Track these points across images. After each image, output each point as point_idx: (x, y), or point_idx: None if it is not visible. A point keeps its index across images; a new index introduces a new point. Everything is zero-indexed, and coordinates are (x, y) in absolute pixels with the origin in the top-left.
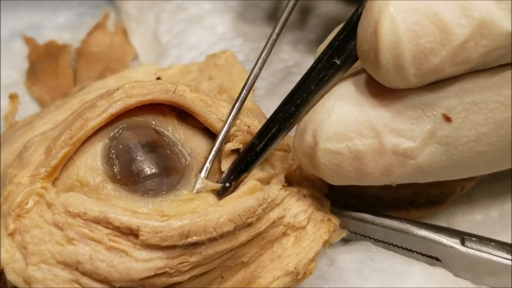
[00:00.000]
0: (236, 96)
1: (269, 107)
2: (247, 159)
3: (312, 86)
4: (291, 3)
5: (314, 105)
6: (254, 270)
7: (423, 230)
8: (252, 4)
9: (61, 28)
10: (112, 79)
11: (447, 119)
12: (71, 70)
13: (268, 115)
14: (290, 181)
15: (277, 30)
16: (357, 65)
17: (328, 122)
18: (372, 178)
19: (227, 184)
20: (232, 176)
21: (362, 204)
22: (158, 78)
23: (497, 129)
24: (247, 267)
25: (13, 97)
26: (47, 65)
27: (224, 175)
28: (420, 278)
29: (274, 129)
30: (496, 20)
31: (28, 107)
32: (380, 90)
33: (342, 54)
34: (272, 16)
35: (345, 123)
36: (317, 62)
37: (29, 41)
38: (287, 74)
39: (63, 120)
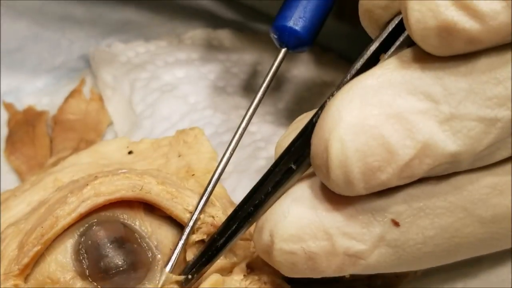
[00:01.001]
0: (202, 178)
1: (236, 185)
2: (208, 253)
3: (269, 188)
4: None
5: (271, 205)
6: None
7: None
8: (225, 70)
9: (40, 91)
10: (85, 154)
11: (396, 224)
12: (47, 139)
13: (235, 193)
14: (251, 267)
15: (248, 114)
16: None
17: (284, 224)
18: (325, 274)
19: (190, 276)
20: (194, 269)
21: (321, 286)
22: (130, 152)
23: (442, 233)
24: None
25: None
26: (25, 133)
27: (187, 267)
28: None
29: (234, 226)
30: (439, 142)
31: (7, 177)
32: (333, 195)
33: (297, 160)
34: (246, 84)
35: (299, 226)
36: (274, 165)
37: (8, 107)
38: (254, 150)
39: (36, 207)
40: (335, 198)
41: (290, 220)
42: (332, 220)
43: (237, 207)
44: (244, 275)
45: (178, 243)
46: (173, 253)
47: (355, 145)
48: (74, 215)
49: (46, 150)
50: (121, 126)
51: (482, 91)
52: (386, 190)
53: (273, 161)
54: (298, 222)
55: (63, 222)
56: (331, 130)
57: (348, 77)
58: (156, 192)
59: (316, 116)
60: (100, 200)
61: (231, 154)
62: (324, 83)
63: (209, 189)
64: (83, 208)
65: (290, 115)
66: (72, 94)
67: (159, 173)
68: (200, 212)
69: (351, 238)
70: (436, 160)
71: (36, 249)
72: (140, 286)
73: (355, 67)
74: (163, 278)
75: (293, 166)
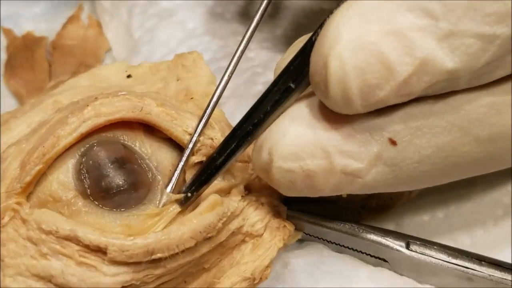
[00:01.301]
0: (201, 101)
1: (234, 110)
2: (207, 172)
3: (268, 107)
4: (264, 4)
5: (270, 124)
6: (215, 275)
7: (372, 234)
8: None
9: (38, 17)
10: (84, 77)
11: (393, 142)
12: (46, 64)
13: (233, 118)
14: (249, 189)
15: (246, 38)
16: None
17: (283, 143)
18: (323, 193)
19: (189, 194)
20: (193, 187)
21: (317, 207)
22: (129, 76)
23: (439, 152)
24: (208, 272)
25: None
26: (24, 58)
27: (186, 185)
28: (366, 280)
29: (233, 145)
30: (437, 59)
31: (7, 100)
32: (331, 114)
33: (296, 79)
34: (243, 10)
35: (298, 144)
36: (273, 84)
37: (7, 32)
38: (252, 75)
39: (36, 128)
40: (333, 117)
41: (288, 138)
42: (330, 139)
43: (236, 126)
44: (242, 196)
45: (178, 164)
46: (173, 173)
47: (353, 62)
48: (75, 134)
49: (45, 75)
50: (120, 51)
51: (481, 8)
52: (383, 109)
53: None
54: (297, 141)
55: (65, 142)
56: (330, 47)
57: None
58: (156, 113)
59: (316, 35)
60: (101, 120)
61: (229, 77)
62: (322, 10)
63: (208, 111)
64: (84, 128)
65: (288, 42)
66: (70, 20)
67: (158, 95)
68: (200, 134)
69: (348, 157)
70: (434, 77)
71: (38, 167)
72: (140, 206)
73: None
74: (164, 197)
75: (292, 85)
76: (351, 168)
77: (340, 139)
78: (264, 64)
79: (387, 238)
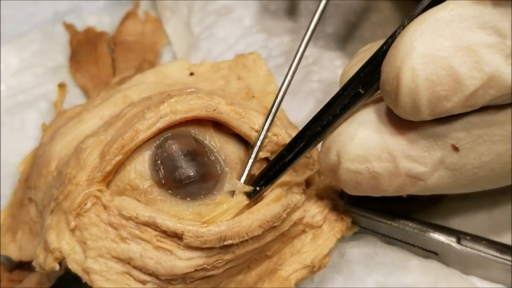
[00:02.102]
0: (262, 100)
1: (291, 107)
2: (276, 168)
3: (337, 110)
4: (323, 4)
5: (338, 126)
6: (276, 262)
7: (425, 229)
8: None
9: (101, 11)
10: (150, 74)
11: (455, 149)
12: (109, 59)
13: (289, 114)
14: (309, 183)
15: (306, 38)
16: (378, 92)
17: (351, 145)
18: (386, 193)
19: (257, 188)
20: (262, 182)
21: (371, 200)
22: (191, 74)
23: (498, 158)
24: (270, 259)
25: (61, 86)
26: (88, 53)
27: (255, 179)
28: (416, 271)
29: (302, 144)
30: (503, 75)
31: (73, 92)
32: (397, 120)
33: (365, 85)
34: (293, 7)
35: (366, 147)
36: (343, 89)
37: (69, 27)
38: (307, 73)
39: (111, 121)
40: (400, 123)
41: (357, 141)
42: (396, 143)
43: (305, 126)
44: (303, 190)
45: (248, 159)
46: (244, 167)
47: (425, 74)
48: (154, 129)
49: (109, 69)
50: (179, 46)
51: None
52: (447, 117)
53: (324, 83)
54: (364, 144)
55: (143, 135)
56: (403, 59)
57: (420, 9)
58: (226, 111)
59: (386, 45)
60: (177, 117)
61: (292, 77)
62: (370, 7)
63: (273, 110)
64: (161, 124)
65: (339, 39)
66: (127, 16)
67: (225, 93)
68: (267, 131)
69: (413, 161)
70: (499, 91)
71: (118, 158)
72: (210, 195)
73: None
74: (236, 187)
75: (361, 91)
76: (415, 171)
77: (406, 144)
78: (318, 62)
79: (439, 233)
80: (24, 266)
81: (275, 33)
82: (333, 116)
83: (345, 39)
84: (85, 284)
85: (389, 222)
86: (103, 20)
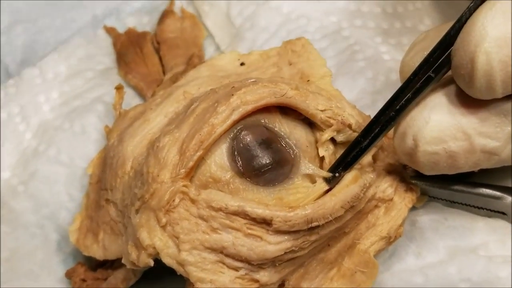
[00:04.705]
0: (318, 83)
1: (343, 86)
2: (353, 154)
3: (409, 95)
4: None
5: (410, 110)
6: (353, 237)
7: (490, 190)
8: None
9: (138, 12)
10: (203, 68)
11: None
12: (156, 57)
13: (344, 94)
14: (374, 159)
15: None
16: (446, 76)
17: (426, 129)
18: (462, 170)
19: (337, 174)
20: (340, 168)
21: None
22: (242, 64)
23: None
24: (348, 235)
25: (118, 88)
26: (134, 54)
27: (333, 166)
28: (484, 231)
29: (377, 129)
30: None
31: (126, 92)
32: (468, 100)
33: (436, 69)
34: None
35: (441, 129)
36: (414, 74)
37: (110, 30)
38: (351, 53)
39: (180, 118)
40: (470, 103)
41: (431, 125)
42: (469, 122)
43: (378, 112)
44: (372, 168)
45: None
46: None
47: (499, 57)
48: (229, 122)
49: (158, 67)
50: (221, 38)
51: None
52: None
53: (370, 61)
54: (439, 126)
55: (220, 129)
56: (477, 43)
57: None
58: (293, 96)
59: (453, 30)
60: (249, 107)
61: None
62: None
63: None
64: (235, 116)
65: (375, 17)
66: (165, 15)
67: (285, 79)
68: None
69: (486, 137)
70: None
71: (198, 153)
72: (288, 180)
73: None
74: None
75: (432, 75)
76: (489, 146)
77: (478, 122)
78: (360, 41)
79: (507, 193)
80: (107, 265)
81: (314, 17)
82: (406, 100)
83: (379, 18)
84: (173, 275)
85: (460, 190)
86: (142, 20)
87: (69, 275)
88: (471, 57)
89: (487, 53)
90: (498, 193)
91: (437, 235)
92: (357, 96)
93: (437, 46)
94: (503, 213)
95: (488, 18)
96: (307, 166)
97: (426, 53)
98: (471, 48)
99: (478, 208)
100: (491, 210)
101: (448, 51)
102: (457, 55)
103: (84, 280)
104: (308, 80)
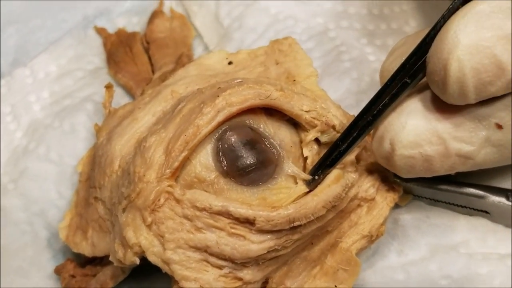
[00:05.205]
0: (304, 83)
1: (328, 87)
2: (332, 158)
3: (386, 100)
4: None
5: (387, 115)
6: (336, 236)
7: (477, 190)
8: None
9: (128, 12)
10: (192, 67)
11: (499, 127)
12: (145, 57)
13: (329, 94)
14: (358, 159)
15: None
16: (421, 82)
17: (403, 133)
18: (438, 173)
19: (316, 177)
20: (320, 171)
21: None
22: (230, 63)
23: None
24: (331, 234)
25: (108, 87)
26: (124, 53)
27: (312, 169)
28: (465, 228)
29: (355, 134)
30: None
31: (116, 91)
32: (443, 106)
33: (412, 75)
34: None
35: (416, 133)
36: (390, 80)
37: (101, 31)
38: (337, 54)
39: (167, 117)
40: (445, 108)
41: (408, 129)
42: (444, 127)
43: (356, 117)
44: (355, 168)
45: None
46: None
47: (471, 64)
48: (214, 123)
49: (147, 66)
50: (210, 38)
51: None
52: (491, 99)
53: (355, 62)
54: (415, 131)
55: (205, 130)
56: (450, 51)
57: (458, 2)
58: (277, 97)
59: (429, 37)
60: (234, 109)
61: None
62: None
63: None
64: (220, 117)
65: (362, 19)
66: (155, 15)
67: (270, 80)
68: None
69: (461, 141)
70: None
71: (183, 154)
72: (271, 180)
73: None
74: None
75: (408, 80)
76: (464, 151)
77: (453, 127)
78: (346, 42)
79: (490, 193)
80: (96, 261)
81: (301, 18)
82: (383, 105)
83: (367, 20)
84: (161, 273)
85: (444, 188)
86: (131, 20)
87: (58, 271)
88: (444, 64)
89: (460, 60)
90: (481, 192)
91: (419, 233)
92: (342, 96)
93: (413, 52)
94: (486, 212)
95: (460, 27)
96: (289, 167)
97: (404, 58)
98: (444, 55)
99: (461, 206)
100: (474, 209)
101: (424, 58)
102: (431, 61)
103: (73, 276)
104: (294, 80)
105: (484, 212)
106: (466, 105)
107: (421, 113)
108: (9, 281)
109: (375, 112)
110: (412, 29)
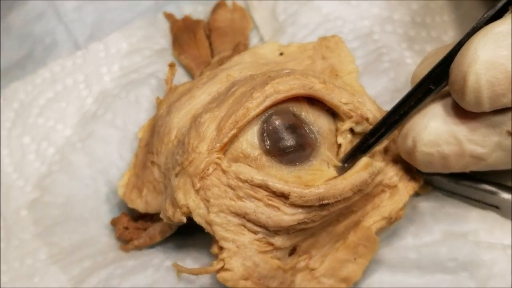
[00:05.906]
0: (345, 78)
1: (367, 84)
2: (361, 149)
3: (412, 103)
4: None
5: (413, 116)
6: (360, 215)
7: (489, 186)
8: None
9: (195, 1)
10: (247, 55)
11: (510, 134)
12: (207, 42)
13: (368, 90)
14: (386, 150)
15: None
16: (445, 89)
17: (425, 133)
18: (453, 170)
19: (346, 165)
20: (350, 159)
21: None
22: (281, 54)
23: None
24: (355, 213)
25: (171, 65)
26: (188, 38)
27: (344, 157)
28: (476, 219)
29: (383, 130)
30: None
31: (178, 70)
32: (461, 112)
33: (436, 83)
34: None
35: (436, 134)
36: (417, 86)
37: (169, 16)
38: (378, 55)
39: (221, 98)
40: (463, 114)
41: (429, 130)
42: (461, 131)
43: (385, 115)
44: (382, 157)
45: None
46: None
47: (486, 77)
48: (262, 107)
49: (208, 51)
50: (266, 31)
51: None
52: (504, 109)
53: (394, 63)
54: (435, 132)
55: (253, 113)
56: (469, 64)
57: (482, 22)
58: (319, 89)
59: (454, 51)
60: (280, 96)
61: None
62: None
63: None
64: (268, 102)
65: (405, 25)
66: (218, 6)
67: (315, 73)
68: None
69: (475, 144)
70: None
71: (233, 132)
72: (307, 162)
73: (488, 14)
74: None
75: (432, 87)
76: (477, 152)
77: (469, 131)
78: (387, 45)
79: (501, 190)
80: (147, 217)
81: (349, 20)
82: (409, 107)
83: (410, 26)
84: (204, 233)
85: (460, 183)
86: (197, 8)
87: (114, 223)
88: (464, 75)
89: (477, 74)
90: (493, 189)
91: (434, 220)
92: (379, 92)
93: (440, 62)
94: (497, 207)
95: (480, 44)
96: (324, 152)
97: (432, 67)
98: (464, 68)
99: (474, 200)
100: (485, 203)
101: (448, 68)
102: (453, 72)
103: (126, 228)
104: (337, 75)
105: (494, 207)
106: (482, 113)
107: (441, 116)
108: (71, 227)
109: (401, 112)
110: (450, 38)
